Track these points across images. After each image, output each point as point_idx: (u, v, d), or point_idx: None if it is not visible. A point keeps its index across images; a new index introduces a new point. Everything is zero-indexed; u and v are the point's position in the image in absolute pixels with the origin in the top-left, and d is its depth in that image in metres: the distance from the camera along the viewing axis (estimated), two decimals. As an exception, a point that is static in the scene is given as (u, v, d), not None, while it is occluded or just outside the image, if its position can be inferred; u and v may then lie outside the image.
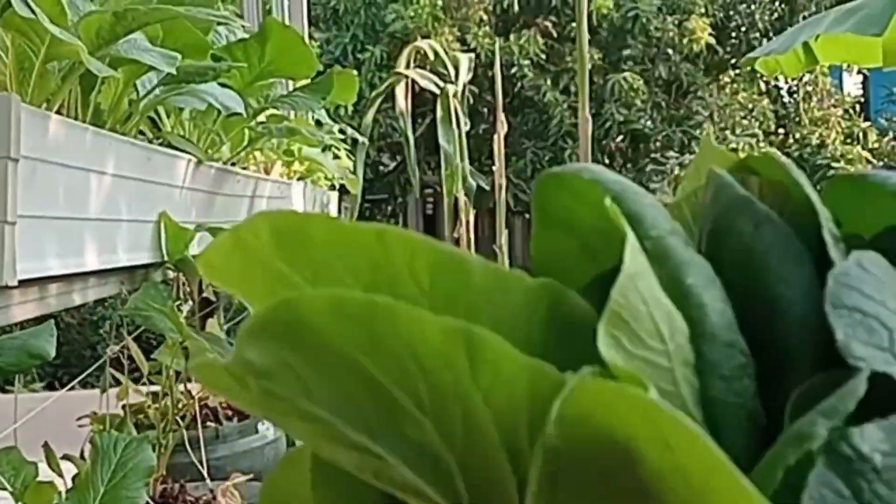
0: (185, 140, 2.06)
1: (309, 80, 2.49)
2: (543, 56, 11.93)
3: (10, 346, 0.93)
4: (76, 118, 1.57)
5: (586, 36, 2.94)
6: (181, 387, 2.33)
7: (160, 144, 1.96)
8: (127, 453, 1.61)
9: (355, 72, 2.70)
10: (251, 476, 2.22)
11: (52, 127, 1.31)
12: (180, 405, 2.15)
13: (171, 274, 2.02)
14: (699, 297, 0.34)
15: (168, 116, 2.20)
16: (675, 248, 0.36)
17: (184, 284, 2.43)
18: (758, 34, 12.66)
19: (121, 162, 1.61)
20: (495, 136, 4.44)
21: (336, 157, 4.16)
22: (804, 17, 11.14)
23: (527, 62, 11.80)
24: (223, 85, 1.89)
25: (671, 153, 11.74)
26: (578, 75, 2.98)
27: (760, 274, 0.36)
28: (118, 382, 2.43)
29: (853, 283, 0.33)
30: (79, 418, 2.49)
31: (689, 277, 0.35)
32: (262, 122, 2.42)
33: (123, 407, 2.38)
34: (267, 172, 3.33)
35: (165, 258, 1.86)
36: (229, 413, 2.65)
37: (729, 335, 0.34)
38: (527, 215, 16.08)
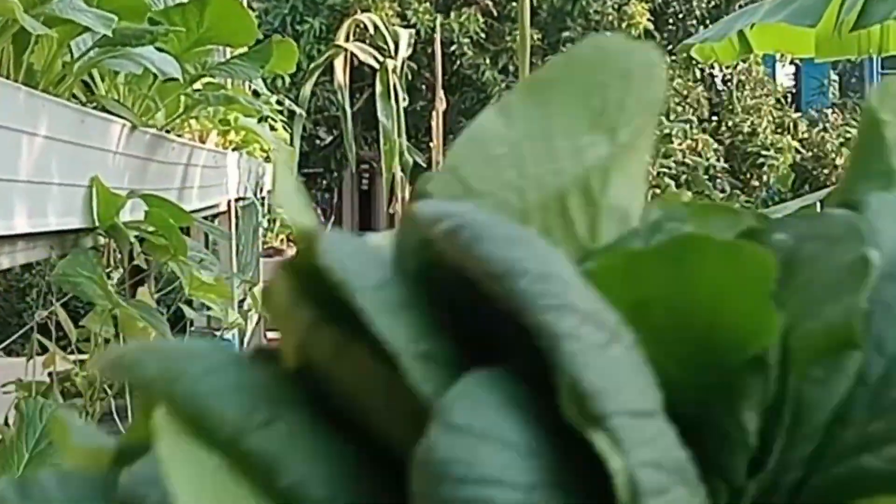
0: (120, 105, 2.03)
1: (247, 49, 2.46)
2: (483, 35, 11.93)
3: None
4: (8, 78, 1.54)
5: (528, 13, 2.94)
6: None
7: (94, 109, 1.92)
8: (53, 420, 1.59)
9: (294, 42, 2.68)
10: (179, 446, 2.20)
11: (-17, 85, 1.28)
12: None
13: (102, 240, 1.99)
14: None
15: (102, 80, 2.16)
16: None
17: (114, 251, 2.40)
18: (695, 21, 12.80)
19: (53, 124, 1.57)
20: (433, 113, 4.43)
21: (272, 128, 4.13)
22: (740, 6, 11.27)
23: (466, 40, 11.79)
24: (160, 50, 1.86)
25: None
26: (519, 52, 2.99)
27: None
28: (45, 350, 2.39)
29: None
30: (3, 385, 2.45)
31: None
32: (198, 90, 2.39)
33: (50, 374, 2.35)
34: (202, 141, 3.29)
35: (96, 224, 1.83)
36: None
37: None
38: (462, 194, 16.05)
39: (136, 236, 1.90)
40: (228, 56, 2.87)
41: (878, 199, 0.36)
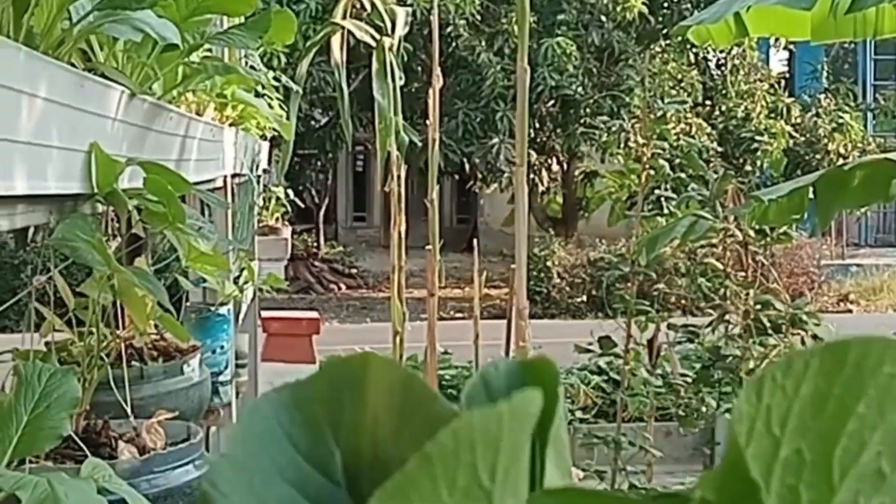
0: (119, 72, 2.03)
1: (244, 19, 2.46)
2: (479, 17, 11.92)
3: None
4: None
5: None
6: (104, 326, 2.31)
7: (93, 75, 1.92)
8: (51, 384, 1.59)
9: (292, 13, 2.67)
10: (176, 414, 2.21)
11: (-15, 43, 1.28)
12: (105, 342, 2.12)
13: (101, 208, 1.99)
14: None
15: (101, 48, 2.15)
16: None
17: (112, 220, 2.40)
18: (689, 5, 12.79)
19: (53, 87, 1.57)
20: (430, 91, 4.43)
21: (269, 106, 4.12)
22: (736, -9, 11.23)
23: (462, 22, 11.77)
24: (159, 16, 1.86)
25: (601, 119, 11.85)
26: (518, 22, 2.99)
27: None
28: (42, 320, 2.39)
29: None
30: (1, 353, 2.45)
31: None
32: (195, 61, 2.38)
33: (47, 343, 2.35)
34: (199, 115, 3.29)
35: (95, 190, 1.83)
36: (154, 353, 2.62)
37: None
38: (456, 176, 16.10)
39: (135, 205, 1.90)
40: (226, 28, 2.86)
41: None
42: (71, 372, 1.62)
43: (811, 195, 4.16)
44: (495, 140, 12.15)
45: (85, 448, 1.84)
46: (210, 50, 3.03)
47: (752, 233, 4.27)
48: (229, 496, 0.38)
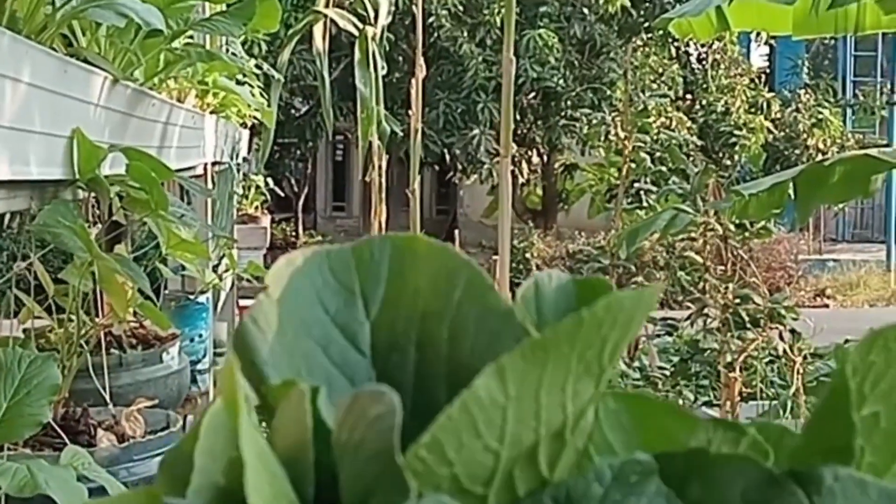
0: (101, 58, 2.01)
1: (227, 7, 2.44)
2: (461, 7, 11.90)
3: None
4: (-10, 23, 1.52)
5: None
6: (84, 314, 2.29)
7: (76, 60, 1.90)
8: (31, 370, 1.58)
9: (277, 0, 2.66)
10: (155, 402, 2.20)
11: (-31, 26, 1.27)
12: (85, 329, 2.11)
13: (82, 194, 1.98)
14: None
15: (84, 34, 2.13)
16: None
17: (92, 207, 2.38)
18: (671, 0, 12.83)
19: (37, 72, 1.56)
20: (412, 81, 4.42)
21: (251, 94, 4.10)
22: (718, -15, 11.26)
23: (444, 13, 11.76)
24: (143, 1, 1.84)
25: (582, 111, 11.86)
26: (505, 13, 2.98)
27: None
28: (20, 308, 2.37)
29: None
30: (-23, 340, 2.43)
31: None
32: (178, 48, 2.37)
33: (25, 331, 2.33)
34: (180, 102, 3.27)
35: (77, 176, 1.82)
36: (133, 341, 2.61)
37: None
38: (436, 166, 16.09)
39: (116, 192, 1.89)
40: (206, 15, 2.84)
41: (832, 474, 0.34)
42: (51, 359, 1.61)
43: (791, 190, 4.18)
44: (476, 131, 12.14)
45: (64, 436, 1.83)
46: (192, 37, 3.01)
47: (731, 227, 4.29)
48: (265, 334, 0.40)
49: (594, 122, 9.22)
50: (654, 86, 11.97)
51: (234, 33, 2.31)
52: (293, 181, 15.56)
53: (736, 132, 12.68)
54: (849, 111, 15.58)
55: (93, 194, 1.95)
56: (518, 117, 12.59)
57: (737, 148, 12.67)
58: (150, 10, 1.80)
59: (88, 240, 1.66)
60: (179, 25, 2.27)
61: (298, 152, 14.48)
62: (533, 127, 12.87)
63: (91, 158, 1.81)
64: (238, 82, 4.04)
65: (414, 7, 8.75)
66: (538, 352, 0.34)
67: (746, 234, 4.35)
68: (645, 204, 5.74)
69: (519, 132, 12.75)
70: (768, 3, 4.42)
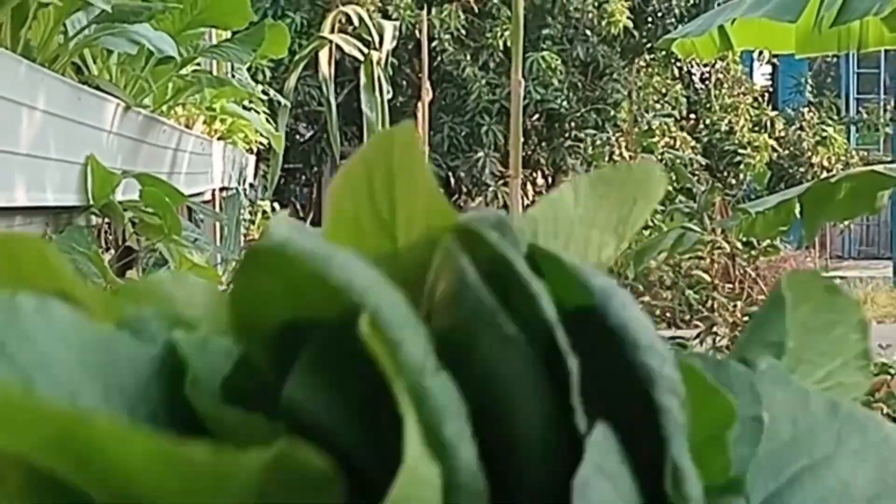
0: (113, 85, 2.03)
1: (235, 33, 2.46)
2: (464, 31, 11.94)
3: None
4: (6, 52, 1.54)
5: (521, 8, 2.96)
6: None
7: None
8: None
9: (285, 27, 2.68)
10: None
11: (-13, 55, 1.29)
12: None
13: (95, 220, 1.99)
14: (455, 449, 0.32)
15: (95, 62, 2.16)
16: (433, 391, 0.32)
17: (105, 233, 2.40)
18: (674, 20, 12.84)
19: (52, 99, 1.58)
20: (418, 104, 4.44)
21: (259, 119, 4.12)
22: (719, 4, 11.29)
23: (447, 37, 11.80)
24: (155, 29, 1.86)
25: (586, 133, 11.88)
26: (512, 34, 3.00)
27: (503, 406, 0.34)
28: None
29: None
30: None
31: (446, 426, 0.32)
32: (187, 74, 2.39)
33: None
34: (189, 129, 3.29)
35: (91, 202, 1.83)
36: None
37: (476, 484, 0.32)
38: (441, 190, 16.04)
39: (130, 217, 1.91)
40: (213, 41, 2.87)
41: (767, 364, 0.42)
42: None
43: (798, 208, 4.18)
44: (480, 154, 12.17)
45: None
46: (199, 64, 3.04)
47: (739, 245, 4.29)
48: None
49: (598, 142, 9.24)
50: (658, 106, 11.97)
51: (243, 60, 2.33)
52: (298, 206, 15.60)
53: (740, 151, 12.68)
54: (852, 128, 15.58)
55: (106, 220, 1.96)
56: (523, 139, 12.62)
57: (741, 167, 12.66)
58: (163, 38, 1.82)
59: (103, 265, 1.67)
60: (189, 53, 2.29)
61: (304, 177, 14.51)
62: (537, 149, 12.89)
63: (105, 184, 1.82)
64: (245, 108, 4.07)
65: (417, 32, 8.79)
66: (602, 183, 0.44)
67: (753, 252, 4.35)
68: (650, 223, 5.74)
69: (523, 154, 12.77)
70: (771, 22, 4.44)
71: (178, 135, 2.71)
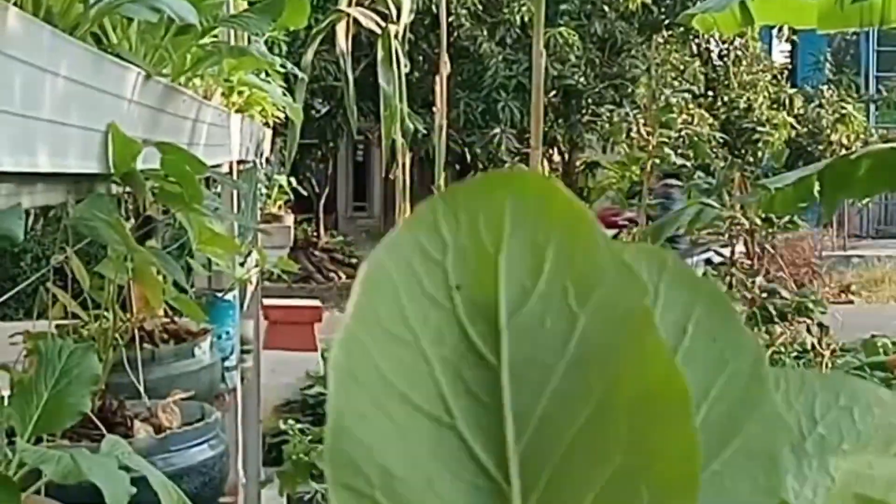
0: (133, 55, 2.03)
1: (252, 3, 2.46)
2: (480, 7, 11.91)
3: (-22, 225, 0.92)
4: (28, 18, 1.53)
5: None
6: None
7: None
8: (71, 360, 1.60)
9: (306, -4, 2.67)
10: (192, 394, 2.22)
11: (11, 20, 1.28)
12: (120, 324, 2.13)
13: (116, 189, 2.00)
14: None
15: (115, 30, 2.15)
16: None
17: (125, 202, 2.40)
18: (692, -5, 12.78)
19: (74, 66, 1.58)
20: (436, 78, 4.43)
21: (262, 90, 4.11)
22: (739, -19, 11.16)
23: (464, 11, 11.76)
24: (176, -3, 1.86)
25: (603, 109, 11.84)
26: (534, 6, 2.99)
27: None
28: (54, 303, 2.39)
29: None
30: (12, 335, 2.46)
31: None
32: (206, 44, 2.38)
33: (59, 326, 2.36)
34: (207, 100, 3.29)
35: (112, 171, 1.83)
36: (165, 336, 2.63)
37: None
38: (457, 166, 16.09)
39: (151, 186, 1.91)
40: (231, 11, 2.86)
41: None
42: (91, 349, 1.63)
43: (817, 184, 4.16)
44: (496, 130, 12.15)
45: (102, 427, 1.85)
46: (217, 36, 3.03)
47: (758, 221, 4.28)
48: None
49: (616, 118, 9.21)
50: (676, 83, 11.92)
51: (262, 30, 2.32)
52: (314, 182, 15.62)
53: (759, 128, 12.64)
54: (872, 106, 15.49)
55: (127, 189, 1.96)
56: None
57: (759, 144, 12.62)
58: (184, 6, 1.81)
59: (125, 233, 1.68)
60: (209, 22, 2.29)
61: (319, 153, 14.52)
62: (554, 125, 12.86)
63: (126, 153, 1.82)
64: (263, 80, 4.06)
65: (434, 7, 8.76)
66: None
67: (773, 228, 4.33)
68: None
69: (540, 130, 12.76)
70: (793, -3, 4.41)
71: (197, 105, 2.70)
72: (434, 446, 0.41)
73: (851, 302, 11.99)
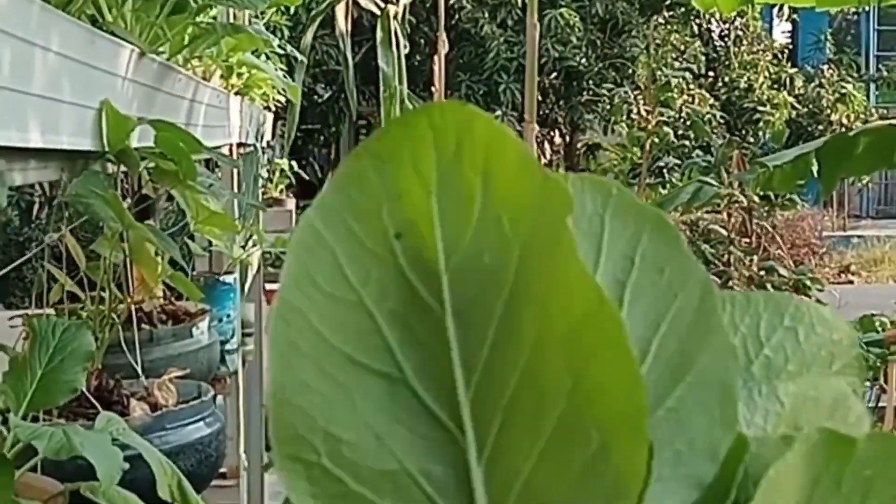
0: (128, 33, 2.03)
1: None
2: (481, -11, 11.90)
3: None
4: (19, -6, 1.53)
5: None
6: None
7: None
8: (65, 337, 1.61)
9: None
10: (187, 372, 2.23)
11: (-1, -7, 1.28)
12: (116, 303, 2.13)
13: (111, 168, 2.00)
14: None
15: (109, 10, 2.15)
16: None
17: (121, 181, 2.41)
18: (693, -24, 12.75)
19: (66, 41, 1.58)
20: (435, 58, 4.43)
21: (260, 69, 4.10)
22: (740, -39, 11.11)
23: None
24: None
25: (603, 90, 11.82)
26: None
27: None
28: (50, 288, 2.40)
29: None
30: (11, 318, 2.46)
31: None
32: (202, 22, 2.38)
33: (56, 308, 2.36)
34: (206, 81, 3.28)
35: (106, 148, 1.83)
36: (163, 317, 2.64)
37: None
38: (458, 149, 16.01)
39: (146, 165, 1.91)
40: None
41: None
42: (84, 326, 1.63)
43: (815, 162, 4.15)
44: (498, 112, 12.14)
45: (97, 405, 1.86)
46: (215, 18, 3.03)
47: (756, 199, 4.28)
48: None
49: (616, 99, 9.20)
50: (676, 63, 11.89)
51: (258, 7, 2.32)
52: (316, 167, 15.61)
53: (759, 108, 12.61)
54: (872, 86, 15.45)
55: (122, 168, 1.96)
56: (540, 97, 12.57)
57: (760, 124, 12.60)
58: (178, -19, 1.81)
59: (121, 209, 1.68)
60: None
61: (322, 138, 14.51)
62: (555, 107, 12.85)
63: (120, 130, 1.82)
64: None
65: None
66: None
67: (771, 206, 4.34)
68: (668, 180, 5.71)
69: (541, 112, 12.74)
70: (794, -27, 4.39)
71: (194, 85, 2.70)
72: (385, 404, 0.40)
73: (851, 282, 11.99)
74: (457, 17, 11.91)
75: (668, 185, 5.91)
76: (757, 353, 0.46)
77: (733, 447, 0.42)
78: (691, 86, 11.06)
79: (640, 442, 0.38)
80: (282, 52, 4.43)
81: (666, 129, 5.11)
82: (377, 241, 0.40)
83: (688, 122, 6.01)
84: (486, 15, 12.03)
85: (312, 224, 0.41)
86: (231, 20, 3.59)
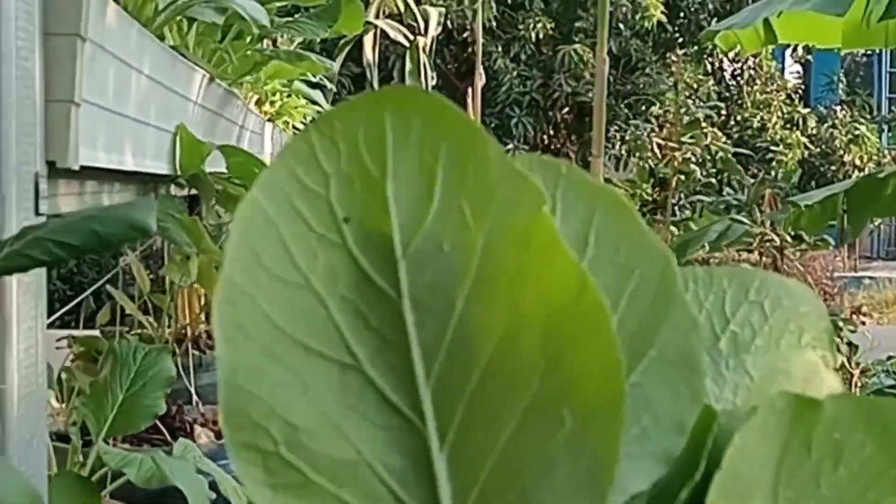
0: (197, 57, 2.03)
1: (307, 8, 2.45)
2: (495, 23, 11.92)
3: (112, 217, 0.90)
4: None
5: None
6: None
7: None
8: (146, 362, 1.59)
9: (361, 2, 2.67)
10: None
11: (110, 14, 1.28)
12: (179, 328, 2.12)
13: (176, 191, 1.99)
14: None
15: (171, 32, 2.15)
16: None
17: (187, 203, 2.40)
18: (707, 15, 12.80)
19: (154, 64, 1.57)
20: (468, 89, 4.43)
21: (313, 101, 4.12)
22: (754, 0, 11.18)
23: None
24: (245, -1, 1.85)
25: (614, 127, 11.84)
26: (599, 13, 3.00)
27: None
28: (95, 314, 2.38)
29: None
30: (58, 339, 2.45)
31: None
32: (265, 48, 2.38)
33: (103, 332, 2.35)
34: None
35: (178, 172, 1.83)
36: (210, 343, 2.62)
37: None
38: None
39: (216, 189, 1.90)
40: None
41: None
42: (166, 350, 1.62)
43: (843, 203, 4.15)
44: (510, 146, 12.16)
45: (165, 432, 1.84)
46: (282, 33, 3.04)
47: (788, 238, 4.27)
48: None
49: (628, 137, 9.21)
50: (690, 102, 11.92)
51: (318, 35, 2.32)
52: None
53: (772, 148, 12.63)
54: (885, 127, 15.50)
55: (191, 191, 1.96)
56: (551, 132, 12.60)
57: (773, 164, 12.62)
58: (255, 7, 1.81)
59: (199, 234, 1.67)
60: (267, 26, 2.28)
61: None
62: (567, 142, 12.88)
63: (194, 154, 1.82)
64: (292, 92, 4.06)
65: (448, 22, 8.77)
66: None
67: (804, 245, 4.32)
68: (684, 217, 5.70)
69: (552, 147, 12.77)
70: (818, 15, 4.40)
71: (244, 111, 2.71)
72: (340, 392, 0.38)
73: (864, 323, 11.96)
74: (470, 50, 11.96)
75: (680, 225, 5.91)
76: (723, 329, 0.46)
77: (700, 419, 0.41)
78: (704, 124, 11.10)
79: (618, 423, 0.37)
80: (314, 79, 4.45)
81: (693, 166, 5.12)
82: (324, 223, 0.39)
83: (712, 159, 6.02)
84: (500, 49, 12.07)
85: (256, 199, 0.39)
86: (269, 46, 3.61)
